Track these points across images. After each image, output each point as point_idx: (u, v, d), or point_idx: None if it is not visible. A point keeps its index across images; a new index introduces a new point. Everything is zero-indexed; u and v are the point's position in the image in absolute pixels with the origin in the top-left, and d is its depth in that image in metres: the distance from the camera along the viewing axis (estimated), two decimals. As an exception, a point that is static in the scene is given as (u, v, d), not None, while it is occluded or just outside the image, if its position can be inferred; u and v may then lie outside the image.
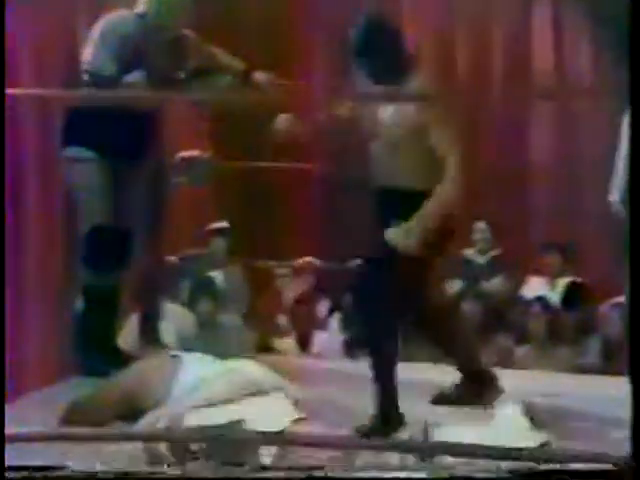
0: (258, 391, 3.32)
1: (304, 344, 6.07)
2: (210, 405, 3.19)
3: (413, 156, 3.41)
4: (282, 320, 6.33)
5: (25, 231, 4.61)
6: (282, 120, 3.70)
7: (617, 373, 4.14)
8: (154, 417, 3.17)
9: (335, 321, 6.20)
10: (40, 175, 4.73)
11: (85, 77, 4.00)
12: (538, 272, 6.45)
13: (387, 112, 3.43)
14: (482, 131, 6.95)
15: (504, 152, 7.08)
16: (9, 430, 2.32)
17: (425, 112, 3.34)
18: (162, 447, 2.77)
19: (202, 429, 2.81)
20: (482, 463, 2.46)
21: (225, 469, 2.59)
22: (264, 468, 2.66)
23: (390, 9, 6.95)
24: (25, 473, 2.49)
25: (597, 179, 6.71)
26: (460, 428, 3.03)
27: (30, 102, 4.57)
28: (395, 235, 3.33)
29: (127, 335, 4.77)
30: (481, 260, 6.55)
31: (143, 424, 3.15)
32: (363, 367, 3.45)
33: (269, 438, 2.57)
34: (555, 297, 6.16)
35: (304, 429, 3.12)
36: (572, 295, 6.08)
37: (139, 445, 2.82)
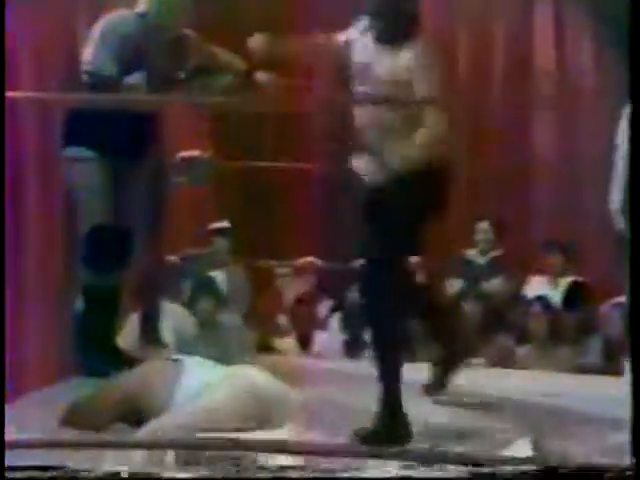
0: (260, 397, 3.30)
1: (304, 344, 6.07)
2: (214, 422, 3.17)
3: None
4: (282, 320, 6.33)
5: (25, 231, 4.60)
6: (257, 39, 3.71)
7: (618, 373, 4.14)
8: (158, 425, 3.16)
9: (335, 321, 6.20)
10: (40, 175, 4.72)
11: (85, 77, 4.00)
12: (540, 272, 6.44)
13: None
14: (483, 131, 6.94)
15: (505, 152, 7.07)
16: (9, 431, 2.31)
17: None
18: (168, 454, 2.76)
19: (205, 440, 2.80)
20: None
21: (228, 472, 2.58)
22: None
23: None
24: (25, 473, 2.48)
25: (599, 178, 6.70)
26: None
27: (30, 102, 4.56)
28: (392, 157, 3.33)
29: (127, 335, 4.76)
30: (482, 260, 6.55)
31: (146, 432, 3.14)
32: (363, 367, 3.45)
33: (271, 446, 2.56)
34: (557, 297, 6.15)
35: (306, 435, 3.11)
36: (573, 295, 6.08)
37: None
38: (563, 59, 7.07)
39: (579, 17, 6.95)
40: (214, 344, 5.07)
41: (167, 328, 5.02)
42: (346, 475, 2.52)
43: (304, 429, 3.17)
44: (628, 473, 2.25)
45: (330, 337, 6.07)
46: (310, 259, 6.45)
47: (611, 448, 2.64)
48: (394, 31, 3.49)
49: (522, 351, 5.80)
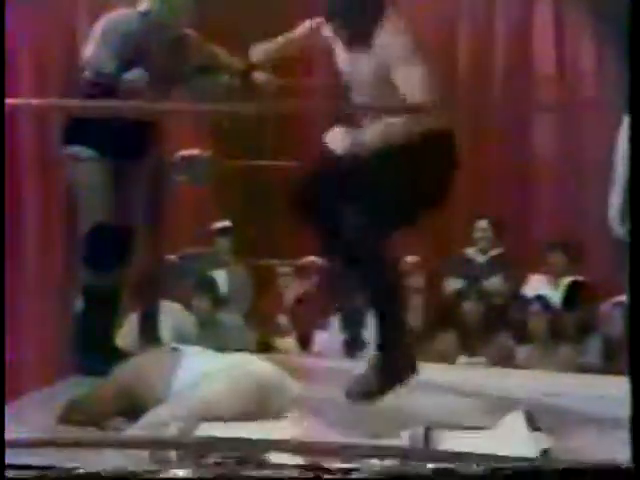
0: (260, 386, 3.28)
1: (305, 343, 6.07)
2: (213, 412, 3.16)
3: None
4: (283, 320, 6.33)
5: (25, 231, 4.60)
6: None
7: (618, 372, 4.14)
8: (156, 417, 3.15)
9: (336, 321, 6.20)
10: (40, 174, 4.73)
11: (86, 75, 3.99)
12: (542, 271, 6.44)
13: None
14: (483, 130, 6.94)
15: (506, 151, 7.07)
16: (9, 431, 2.31)
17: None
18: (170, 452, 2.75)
19: (210, 439, 2.79)
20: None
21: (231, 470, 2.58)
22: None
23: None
24: (25, 472, 2.47)
25: (599, 178, 6.71)
26: (459, 434, 3.02)
27: (30, 105, 4.56)
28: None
29: (126, 334, 4.77)
30: (482, 259, 6.55)
31: (144, 423, 3.13)
32: (363, 367, 3.45)
33: (273, 445, 2.55)
34: (557, 296, 6.15)
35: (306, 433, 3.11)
36: (573, 294, 6.07)
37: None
38: (563, 59, 7.06)
39: (579, 17, 6.95)
40: (214, 343, 5.07)
41: (166, 327, 5.03)
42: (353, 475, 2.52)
43: (303, 419, 3.16)
44: (628, 473, 2.25)
45: (330, 337, 6.06)
46: (312, 259, 6.45)
47: (611, 447, 2.64)
48: (360, 31, 3.40)
49: (522, 350, 5.80)
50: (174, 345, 3.68)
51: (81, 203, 4.15)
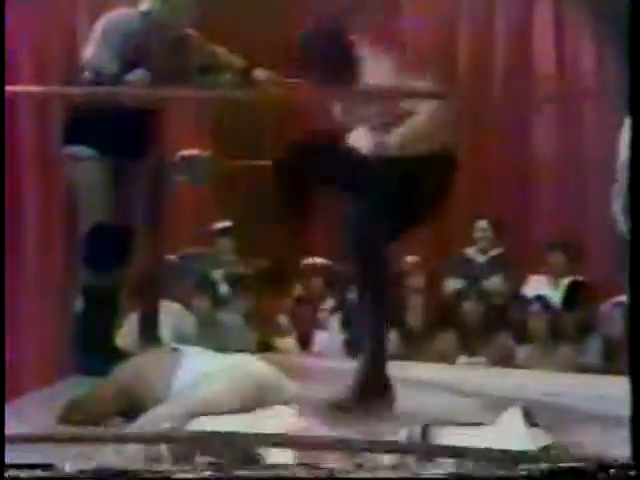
0: (259, 388, 3.29)
1: (305, 343, 6.07)
2: (212, 413, 3.16)
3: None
4: (283, 320, 6.33)
5: (25, 230, 4.60)
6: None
7: (618, 372, 4.13)
8: (154, 416, 3.15)
9: (336, 321, 6.20)
10: (40, 174, 4.73)
11: (86, 75, 3.99)
12: (542, 271, 6.44)
13: None
14: (483, 130, 6.94)
15: (506, 151, 7.07)
16: (8, 431, 2.31)
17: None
18: (163, 448, 2.75)
19: (205, 433, 2.78)
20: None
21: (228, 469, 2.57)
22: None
23: (390, 8, 6.98)
24: (25, 472, 2.47)
25: (599, 177, 6.71)
26: (456, 430, 3.01)
27: (30, 100, 4.56)
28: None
29: (126, 334, 4.77)
30: (482, 259, 6.55)
31: (143, 423, 3.13)
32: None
33: (270, 440, 2.55)
34: (557, 296, 6.15)
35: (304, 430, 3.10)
36: (573, 294, 6.07)
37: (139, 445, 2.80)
38: (563, 59, 7.06)
39: (579, 17, 6.95)
40: (214, 343, 5.07)
41: (166, 327, 5.03)
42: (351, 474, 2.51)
43: (301, 419, 3.15)
44: (628, 472, 2.25)
45: (330, 336, 6.07)
46: (315, 259, 6.46)
47: (611, 447, 2.64)
48: (331, 71, 3.42)
49: (522, 350, 5.80)
50: (174, 345, 3.68)
51: (81, 203, 4.15)
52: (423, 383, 3.80)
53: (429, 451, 2.51)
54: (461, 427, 3.02)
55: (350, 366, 3.65)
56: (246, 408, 3.19)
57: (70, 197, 4.32)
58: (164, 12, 4.05)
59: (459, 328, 5.95)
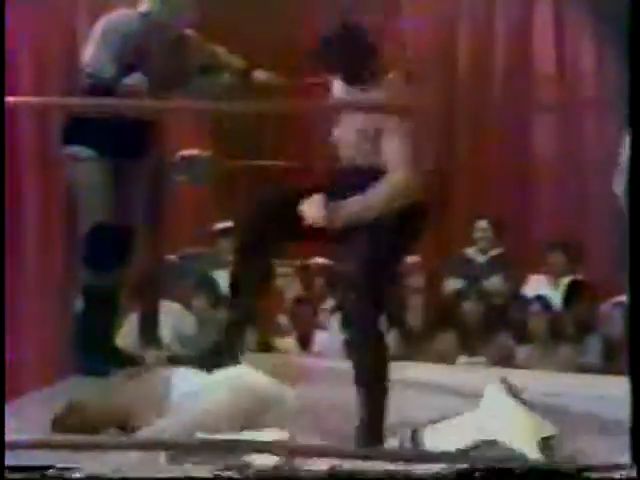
0: (259, 399, 3.27)
1: (305, 343, 6.07)
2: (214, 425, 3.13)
3: None
4: (283, 320, 6.33)
5: (25, 230, 4.60)
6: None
7: (618, 372, 4.14)
8: (156, 430, 3.13)
9: (336, 321, 6.20)
10: (40, 174, 4.72)
11: (85, 77, 3.99)
12: (542, 271, 6.44)
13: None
14: (483, 130, 6.94)
15: (506, 151, 7.07)
16: (8, 431, 2.30)
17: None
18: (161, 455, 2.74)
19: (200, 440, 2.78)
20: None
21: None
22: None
23: (390, 8, 6.97)
24: (25, 474, 2.47)
25: (600, 177, 6.71)
26: (448, 422, 3.01)
27: (30, 104, 4.56)
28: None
29: (126, 334, 4.77)
30: (482, 259, 6.55)
31: (146, 433, 3.11)
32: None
33: (265, 447, 2.55)
34: (557, 296, 6.15)
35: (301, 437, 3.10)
36: (573, 294, 6.07)
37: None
38: (563, 59, 7.06)
39: (579, 17, 6.95)
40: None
41: (166, 327, 5.03)
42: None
43: (302, 431, 3.15)
44: (628, 473, 2.25)
45: (330, 336, 6.06)
46: (317, 259, 6.46)
47: (611, 447, 2.64)
48: (354, 71, 3.42)
49: (522, 350, 5.80)
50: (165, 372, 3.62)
51: (81, 203, 4.16)
52: (423, 383, 3.80)
53: (422, 458, 2.50)
54: (449, 421, 3.01)
55: (350, 366, 3.66)
56: (247, 420, 3.18)
57: (70, 197, 4.32)
58: (163, 13, 4.05)
59: (459, 328, 5.95)
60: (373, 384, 3.30)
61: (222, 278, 6.26)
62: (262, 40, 6.33)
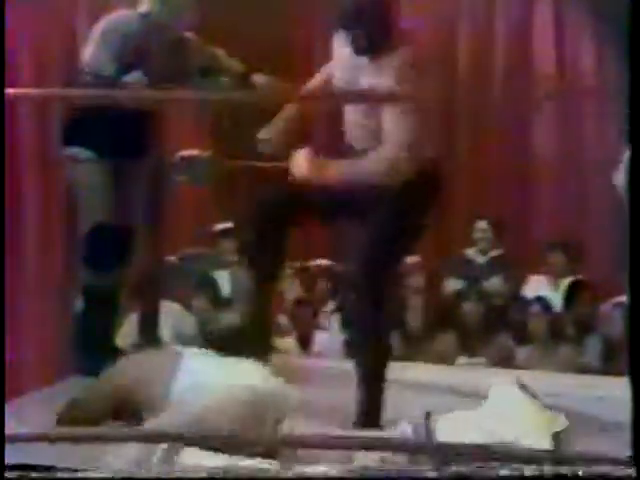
0: (259, 396, 3.25)
1: (305, 344, 6.07)
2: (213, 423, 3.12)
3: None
4: (283, 320, 6.33)
5: (25, 230, 4.60)
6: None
7: (618, 373, 4.14)
8: (155, 425, 3.12)
9: (335, 321, 6.20)
10: (40, 175, 4.73)
11: (85, 77, 3.99)
12: (542, 272, 6.44)
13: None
14: (483, 130, 6.94)
15: (505, 151, 7.07)
16: (8, 431, 2.31)
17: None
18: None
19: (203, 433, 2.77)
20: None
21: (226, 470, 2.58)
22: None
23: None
24: (25, 473, 2.48)
25: (600, 177, 6.71)
26: (457, 415, 3.00)
27: (30, 102, 4.56)
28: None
29: (127, 334, 4.77)
30: (482, 260, 6.55)
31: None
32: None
33: (265, 440, 2.55)
34: (557, 297, 6.15)
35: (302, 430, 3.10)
36: (573, 294, 6.07)
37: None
38: (563, 59, 7.06)
39: (579, 17, 6.95)
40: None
41: (166, 327, 5.02)
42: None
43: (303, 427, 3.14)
44: (628, 473, 2.25)
45: (330, 337, 6.06)
46: (319, 261, 6.47)
47: (611, 448, 2.64)
48: (372, 40, 3.38)
49: (522, 351, 5.80)
50: (172, 348, 3.65)
51: (81, 203, 4.15)
52: (422, 384, 3.80)
53: (433, 450, 2.50)
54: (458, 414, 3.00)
55: (350, 366, 3.65)
56: (247, 418, 3.15)
57: (70, 197, 4.32)
58: (163, 14, 4.05)
59: (459, 329, 5.95)
60: (372, 383, 3.32)
61: (222, 278, 6.28)
62: (262, 42, 6.34)
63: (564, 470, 2.40)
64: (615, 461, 2.34)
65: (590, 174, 6.81)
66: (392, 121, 3.29)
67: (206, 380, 3.26)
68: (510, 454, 2.39)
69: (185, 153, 4.68)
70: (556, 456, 2.57)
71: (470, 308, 6.01)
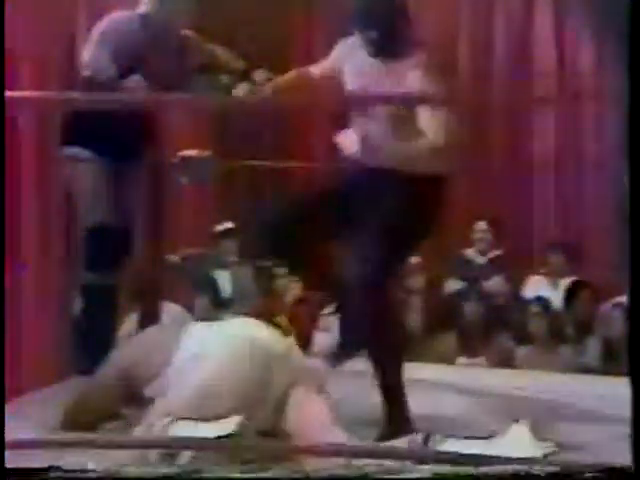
0: (264, 357, 3.16)
1: (304, 344, 6.07)
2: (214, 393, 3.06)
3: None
4: (283, 320, 6.33)
5: (24, 231, 4.60)
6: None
7: (618, 373, 4.14)
8: (156, 413, 3.10)
9: (336, 322, 6.19)
10: (40, 174, 4.72)
11: (84, 79, 3.99)
12: (542, 272, 6.44)
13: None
14: (483, 130, 6.94)
15: (505, 152, 7.07)
16: (8, 431, 2.31)
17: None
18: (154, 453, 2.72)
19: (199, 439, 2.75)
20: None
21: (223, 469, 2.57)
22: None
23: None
24: (24, 474, 2.47)
25: (599, 178, 6.72)
26: (462, 442, 3.00)
27: (29, 102, 4.56)
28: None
29: (127, 335, 4.76)
30: (481, 260, 6.55)
31: (154, 415, 3.05)
32: (363, 366, 3.45)
33: (266, 445, 2.55)
34: (557, 297, 6.15)
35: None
36: (573, 294, 6.08)
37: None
38: (563, 59, 7.06)
39: (579, 17, 6.95)
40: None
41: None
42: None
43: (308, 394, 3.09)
44: (628, 473, 2.25)
45: (330, 337, 6.06)
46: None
47: (611, 448, 2.64)
48: (389, 42, 3.39)
49: (522, 351, 5.80)
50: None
51: (81, 203, 4.16)
52: (422, 384, 3.80)
53: (432, 458, 2.50)
54: (463, 440, 3.00)
55: (350, 366, 3.66)
56: (251, 380, 3.07)
57: (70, 197, 4.32)
58: (163, 14, 4.05)
59: (459, 329, 5.95)
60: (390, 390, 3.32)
61: (223, 279, 6.28)
62: (262, 40, 6.34)
63: (564, 471, 2.40)
64: (615, 461, 2.34)
65: (590, 174, 6.81)
66: (428, 118, 3.28)
67: (209, 346, 3.18)
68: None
69: (185, 153, 4.68)
70: (555, 461, 2.57)
71: (470, 308, 6.01)
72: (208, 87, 4.19)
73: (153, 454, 2.68)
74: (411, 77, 3.31)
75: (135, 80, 3.88)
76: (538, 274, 6.45)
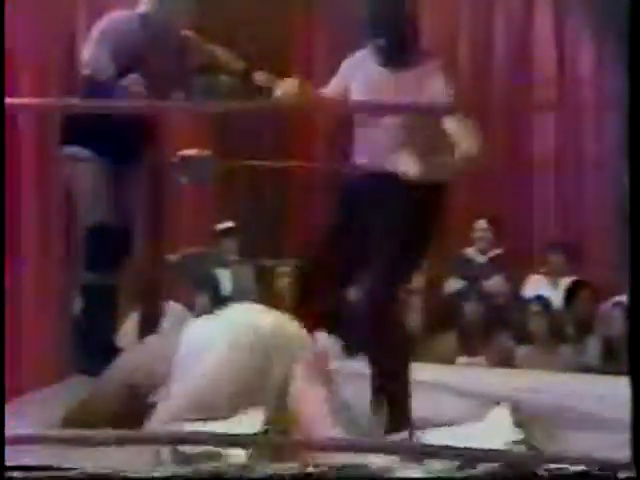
0: (264, 346, 3.14)
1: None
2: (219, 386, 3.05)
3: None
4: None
5: (24, 230, 4.60)
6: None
7: (618, 372, 4.14)
8: (161, 414, 3.09)
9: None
10: (40, 174, 4.72)
11: (84, 78, 3.99)
12: (542, 271, 6.44)
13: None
14: (484, 130, 6.93)
15: (505, 151, 7.07)
16: (8, 431, 2.31)
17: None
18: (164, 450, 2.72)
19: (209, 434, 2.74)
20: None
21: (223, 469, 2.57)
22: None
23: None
24: (25, 473, 2.48)
25: (600, 177, 6.72)
26: (445, 430, 3.00)
27: (29, 107, 4.56)
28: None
29: (127, 334, 4.77)
30: (482, 259, 6.55)
31: (163, 413, 3.04)
32: (363, 366, 3.45)
33: (266, 441, 2.54)
34: (557, 296, 6.15)
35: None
36: (573, 294, 6.08)
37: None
38: (563, 60, 7.06)
39: (579, 17, 6.95)
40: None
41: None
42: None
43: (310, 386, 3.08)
44: (628, 473, 2.25)
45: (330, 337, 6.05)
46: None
47: (611, 448, 2.64)
48: (399, 50, 3.40)
49: (522, 350, 5.80)
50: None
51: (80, 203, 4.15)
52: (422, 384, 3.79)
53: (419, 452, 2.50)
54: (447, 427, 3.00)
55: (350, 366, 3.65)
56: (249, 377, 3.05)
57: (70, 197, 4.32)
58: (162, 14, 4.05)
59: (459, 328, 5.95)
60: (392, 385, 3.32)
61: (224, 277, 6.28)
62: (262, 40, 6.34)
63: (564, 470, 2.40)
64: (614, 463, 2.34)
65: (590, 174, 6.81)
66: (457, 127, 3.36)
67: (210, 336, 3.16)
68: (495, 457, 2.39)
69: (185, 153, 4.68)
70: (554, 458, 2.57)
71: (470, 308, 6.01)
72: (208, 87, 4.19)
73: (165, 452, 2.68)
74: (430, 86, 3.31)
75: (133, 79, 3.88)
76: (538, 273, 6.45)
